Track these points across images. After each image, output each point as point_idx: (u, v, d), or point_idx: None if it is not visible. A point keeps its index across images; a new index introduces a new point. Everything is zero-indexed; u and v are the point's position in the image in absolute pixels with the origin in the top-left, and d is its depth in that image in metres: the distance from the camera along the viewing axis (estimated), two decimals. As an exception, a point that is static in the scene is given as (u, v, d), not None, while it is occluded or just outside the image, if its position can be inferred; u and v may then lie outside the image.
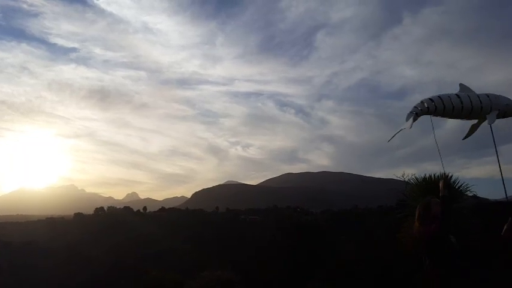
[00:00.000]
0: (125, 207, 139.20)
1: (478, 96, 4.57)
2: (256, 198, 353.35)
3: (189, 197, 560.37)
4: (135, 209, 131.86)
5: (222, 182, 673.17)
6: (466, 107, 4.47)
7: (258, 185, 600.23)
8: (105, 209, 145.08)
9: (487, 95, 4.60)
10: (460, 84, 4.84)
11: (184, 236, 68.19)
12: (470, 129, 4.96)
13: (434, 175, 6.08)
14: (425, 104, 4.73)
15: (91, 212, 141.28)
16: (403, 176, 7.40)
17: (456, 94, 4.66)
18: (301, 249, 22.67)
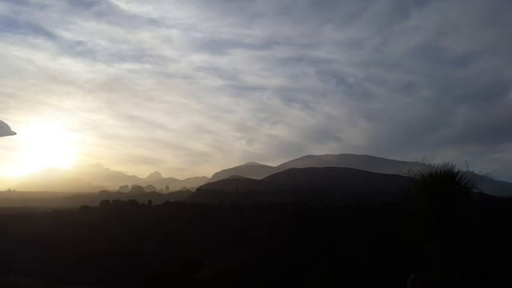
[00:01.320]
0: (130, 200, 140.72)
1: None
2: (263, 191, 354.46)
3: (210, 177, 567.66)
4: (157, 188, 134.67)
5: (242, 164, 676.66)
6: None
7: (278, 166, 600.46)
8: (129, 187, 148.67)
9: None
10: None
11: (188, 229, 68.46)
12: None
13: (439, 171, 6.16)
14: None
15: (116, 189, 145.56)
16: (408, 172, 7.49)
17: None
18: (305, 244, 23.01)
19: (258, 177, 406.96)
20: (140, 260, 33.48)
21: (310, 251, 21.25)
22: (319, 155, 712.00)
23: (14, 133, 4.24)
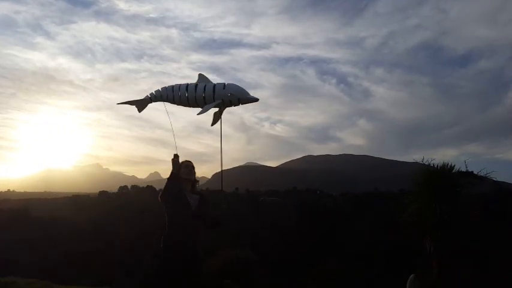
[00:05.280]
0: (147, 186, 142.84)
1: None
2: (276, 180, 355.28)
3: (210, 177, 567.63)
4: (157, 188, 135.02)
5: (242, 164, 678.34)
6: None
7: (278, 167, 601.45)
8: (129, 187, 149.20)
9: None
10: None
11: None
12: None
13: (438, 165, 6.20)
14: None
15: (115, 190, 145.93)
16: (422, 161, 7.45)
17: None
18: (318, 232, 23.12)
19: (258, 178, 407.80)
20: (158, 244, 33.30)
21: (325, 236, 21.35)
22: (319, 155, 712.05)
23: (256, 99, 3.83)
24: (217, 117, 4.59)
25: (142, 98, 5.00)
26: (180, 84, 4.62)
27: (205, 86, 4.42)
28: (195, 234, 3.88)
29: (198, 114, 4.35)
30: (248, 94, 4.43)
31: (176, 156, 4.10)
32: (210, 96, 4.35)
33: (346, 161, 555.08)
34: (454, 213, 5.69)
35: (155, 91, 4.85)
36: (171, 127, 4.56)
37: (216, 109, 4.51)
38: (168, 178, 4.00)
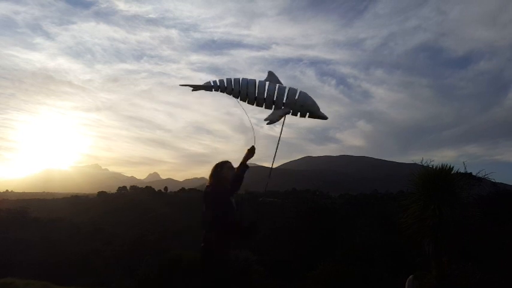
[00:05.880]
0: (146, 187, 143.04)
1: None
2: (275, 181, 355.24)
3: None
4: (156, 189, 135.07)
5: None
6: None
7: (277, 168, 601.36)
8: (128, 188, 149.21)
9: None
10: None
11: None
12: None
13: (436, 167, 6.22)
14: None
15: (114, 190, 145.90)
16: (421, 162, 7.46)
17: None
18: (317, 232, 23.15)
19: (257, 179, 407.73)
20: (157, 245, 33.50)
21: (324, 237, 21.33)
22: (318, 156, 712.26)
23: (325, 117, 3.51)
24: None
25: (204, 83, 4.56)
26: (247, 79, 4.26)
27: (276, 87, 4.09)
28: (233, 235, 3.77)
29: (266, 122, 4.01)
30: (319, 110, 4.15)
31: (253, 149, 3.97)
32: (280, 101, 4.06)
33: (346, 162, 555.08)
34: (453, 215, 5.70)
35: (219, 80, 4.46)
36: (249, 122, 4.33)
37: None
38: (243, 169, 3.86)
